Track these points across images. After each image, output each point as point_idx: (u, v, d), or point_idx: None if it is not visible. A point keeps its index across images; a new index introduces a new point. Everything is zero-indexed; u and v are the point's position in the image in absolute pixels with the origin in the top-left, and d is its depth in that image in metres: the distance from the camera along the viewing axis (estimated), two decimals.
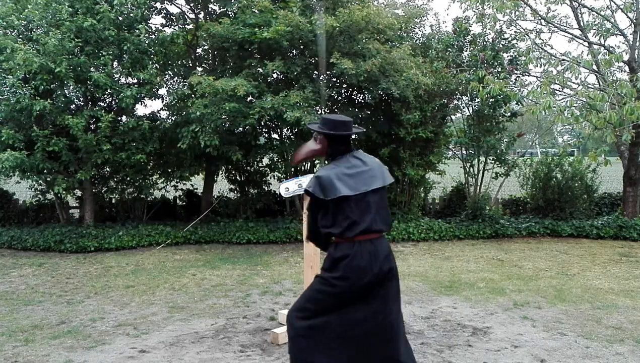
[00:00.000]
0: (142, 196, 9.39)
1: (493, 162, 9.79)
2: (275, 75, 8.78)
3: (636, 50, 8.84)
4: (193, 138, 7.84)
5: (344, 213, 2.87)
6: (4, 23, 8.04)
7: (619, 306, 5.34)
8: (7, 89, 7.78)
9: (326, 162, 3.16)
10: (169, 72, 9.64)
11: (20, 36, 8.23)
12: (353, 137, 3.82)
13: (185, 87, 8.97)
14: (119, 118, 8.67)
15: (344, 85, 9.12)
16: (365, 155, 3.09)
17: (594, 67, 8.37)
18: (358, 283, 2.87)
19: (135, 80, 8.65)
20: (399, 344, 2.97)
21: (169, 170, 9.30)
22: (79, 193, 9.33)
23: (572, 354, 4.08)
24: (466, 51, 9.88)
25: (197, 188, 10.41)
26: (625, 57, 8.69)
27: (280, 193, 3.78)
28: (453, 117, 10.38)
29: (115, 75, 8.33)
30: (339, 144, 3.06)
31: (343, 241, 2.90)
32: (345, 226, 2.87)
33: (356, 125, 3.25)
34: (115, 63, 8.38)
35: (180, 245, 8.64)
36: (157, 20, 27.25)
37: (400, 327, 3.03)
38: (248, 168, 9.84)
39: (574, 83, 7.94)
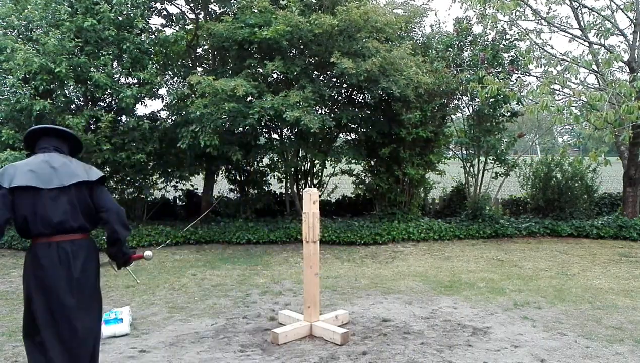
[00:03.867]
0: (142, 196, 9.39)
1: (493, 162, 9.79)
2: (275, 75, 8.78)
3: (636, 50, 8.84)
4: (193, 138, 7.83)
5: None
6: (4, 23, 8.05)
7: (619, 306, 5.34)
8: (7, 89, 7.78)
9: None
10: (169, 72, 9.64)
11: (20, 36, 8.23)
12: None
13: (185, 87, 8.97)
14: (119, 118, 8.68)
15: (344, 85, 9.12)
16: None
17: (594, 67, 8.37)
18: None
19: (135, 80, 8.66)
20: None
21: (169, 170, 9.29)
22: None
23: (572, 354, 4.08)
24: (467, 51, 9.88)
25: (197, 188, 10.42)
26: (625, 57, 8.69)
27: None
28: (453, 117, 10.37)
29: (115, 75, 8.33)
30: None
31: None
32: None
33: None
34: (115, 63, 8.39)
35: (180, 245, 8.63)
36: (157, 20, 27.26)
37: None
38: (248, 168, 9.85)
39: (573, 83, 7.95)
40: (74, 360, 3.05)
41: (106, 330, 4.46)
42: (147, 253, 3.53)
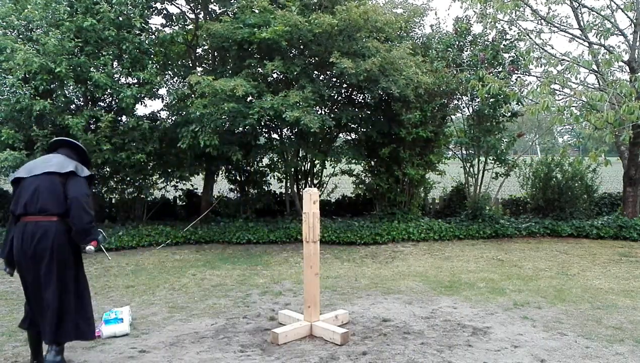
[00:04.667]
0: (142, 196, 9.39)
1: (493, 162, 9.79)
2: (274, 75, 8.78)
3: (636, 50, 8.84)
4: (193, 138, 7.84)
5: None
6: (4, 23, 8.04)
7: (619, 306, 5.34)
8: (7, 89, 7.77)
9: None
10: (169, 72, 9.63)
11: (20, 36, 8.23)
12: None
13: (185, 87, 8.97)
14: (119, 118, 8.67)
15: (344, 85, 9.12)
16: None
17: (594, 67, 8.37)
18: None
19: (135, 80, 8.65)
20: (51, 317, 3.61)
21: (169, 170, 9.29)
22: None
23: (572, 354, 4.08)
24: (467, 51, 9.88)
25: (197, 188, 10.42)
26: (625, 57, 8.69)
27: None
28: (453, 117, 10.38)
29: (115, 75, 8.33)
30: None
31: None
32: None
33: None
34: (115, 63, 8.38)
35: (180, 245, 8.63)
36: (157, 20, 27.26)
37: (56, 302, 3.62)
38: (248, 168, 9.84)
39: (573, 83, 7.95)
40: (44, 326, 3.63)
41: (106, 330, 4.46)
42: (89, 247, 3.77)
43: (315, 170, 10.00)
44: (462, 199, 10.35)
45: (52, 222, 3.59)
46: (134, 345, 4.30)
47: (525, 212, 10.50)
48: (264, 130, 9.33)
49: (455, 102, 9.97)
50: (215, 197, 9.98)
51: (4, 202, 9.77)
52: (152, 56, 8.88)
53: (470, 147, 9.76)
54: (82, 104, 8.59)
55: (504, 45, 9.48)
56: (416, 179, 9.30)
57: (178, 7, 9.64)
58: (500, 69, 9.22)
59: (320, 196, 8.08)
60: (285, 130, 9.29)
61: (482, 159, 9.81)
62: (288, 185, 9.84)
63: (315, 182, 9.99)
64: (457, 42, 9.83)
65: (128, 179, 9.30)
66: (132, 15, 8.20)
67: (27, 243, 3.57)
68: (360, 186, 10.27)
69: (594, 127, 6.68)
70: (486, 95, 7.94)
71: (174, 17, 9.53)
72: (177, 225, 9.03)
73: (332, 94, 8.96)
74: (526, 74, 9.54)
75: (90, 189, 3.83)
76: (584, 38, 9.03)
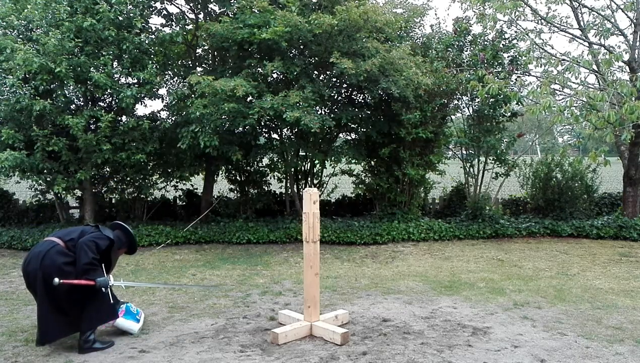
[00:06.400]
0: (142, 196, 9.39)
1: (493, 162, 9.78)
2: (274, 75, 8.77)
3: (636, 50, 8.84)
4: (193, 138, 7.83)
5: None
6: (4, 23, 8.04)
7: (619, 306, 5.34)
8: (7, 89, 7.77)
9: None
10: (169, 72, 9.62)
11: (20, 36, 8.22)
12: None
13: (185, 87, 8.97)
14: (119, 118, 8.67)
15: (344, 85, 9.12)
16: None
17: (594, 67, 8.37)
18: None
19: (135, 80, 8.65)
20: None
21: (169, 170, 9.29)
22: (79, 193, 9.32)
23: (572, 354, 4.08)
24: (466, 51, 9.88)
25: (197, 189, 10.42)
26: (625, 57, 8.69)
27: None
28: (453, 117, 10.37)
29: (115, 75, 8.32)
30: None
31: None
32: None
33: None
34: (115, 63, 8.37)
35: (180, 245, 8.63)
36: (157, 20, 27.25)
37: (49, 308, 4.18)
38: (248, 168, 9.84)
39: (574, 83, 7.96)
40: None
41: (122, 319, 4.50)
42: (56, 280, 4.03)
43: (315, 170, 10.00)
44: (462, 199, 10.35)
45: (54, 242, 4.23)
46: (134, 345, 4.30)
47: (525, 212, 10.50)
48: (264, 130, 9.32)
49: (455, 102, 9.96)
50: (215, 197, 9.98)
51: (4, 202, 9.78)
52: (152, 56, 8.88)
53: (470, 147, 9.75)
54: (82, 104, 8.59)
55: (502, 45, 9.47)
56: (416, 179, 9.29)
57: (178, 7, 9.64)
58: (500, 69, 9.22)
59: (320, 196, 8.08)
60: (285, 130, 9.28)
61: (482, 159, 9.81)
62: (288, 185, 9.84)
63: (315, 182, 9.99)
64: (456, 42, 9.83)
65: (128, 179, 9.31)
66: (132, 15, 8.20)
67: (31, 252, 4.27)
68: (360, 186, 10.26)
69: (594, 127, 6.69)
70: (486, 96, 7.95)
71: (173, 17, 9.52)
72: (177, 225, 9.03)
73: (332, 94, 8.95)
74: (526, 74, 9.54)
75: (106, 249, 4.36)
76: (584, 38, 9.03)
